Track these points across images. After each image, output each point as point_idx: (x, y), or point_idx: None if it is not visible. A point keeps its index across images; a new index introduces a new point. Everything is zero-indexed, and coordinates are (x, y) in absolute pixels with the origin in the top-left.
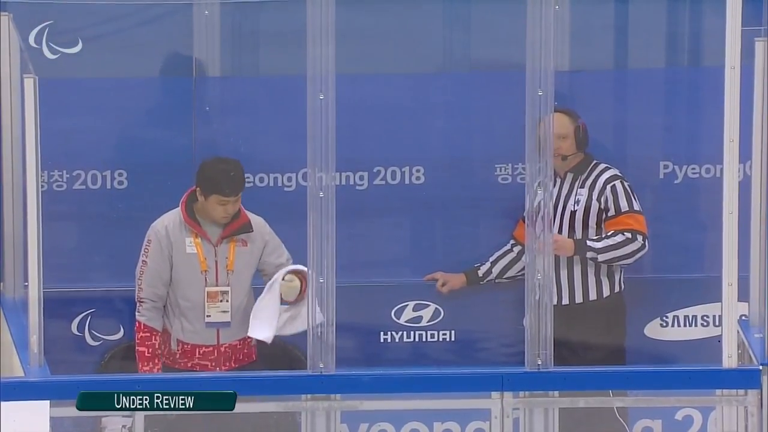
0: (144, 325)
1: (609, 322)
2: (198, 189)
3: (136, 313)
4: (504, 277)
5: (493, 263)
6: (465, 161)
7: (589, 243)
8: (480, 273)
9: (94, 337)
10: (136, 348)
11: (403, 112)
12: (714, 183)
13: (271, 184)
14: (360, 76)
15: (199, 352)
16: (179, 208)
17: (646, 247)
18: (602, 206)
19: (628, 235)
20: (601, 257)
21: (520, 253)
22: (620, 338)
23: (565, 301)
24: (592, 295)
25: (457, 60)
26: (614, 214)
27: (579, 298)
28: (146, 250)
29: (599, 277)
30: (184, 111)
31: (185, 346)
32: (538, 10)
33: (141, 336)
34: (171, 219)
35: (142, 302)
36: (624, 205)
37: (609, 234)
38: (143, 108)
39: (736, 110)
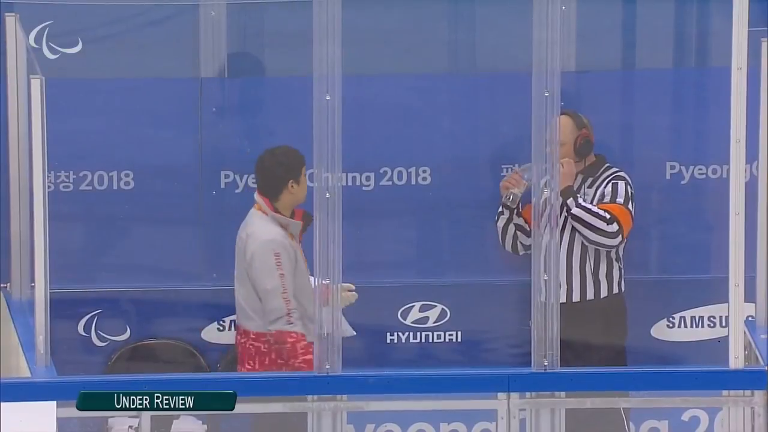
0: (302, 334)
1: (608, 323)
2: (291, 180)
3: (288, 325)
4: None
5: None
6: (471, 162)
7: (578, 197)
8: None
9: (100, 338)
10: (303, 357)
11: (410, 112)
12: (720, 183)
13: None
14: (366, 76)
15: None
16: (271, 214)
17: (616, 240)
18: (600, 198)
19: (608, 216)
20: (574, 210)
21: (508, 219)
22: (619, 340)
23: (563, 299)
24: (590, 295)
25: (464, 61)
26: (607, 201)
27: (576, 297)
28: (279, 264)
29: (597, 276)
30: (190, 112)
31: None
32: (545, 11)
33: (305, 344)
34: (275, 226)
35: (292, 313)
36: (620, 200)
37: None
38: (150, 109)
39: (742, 111)
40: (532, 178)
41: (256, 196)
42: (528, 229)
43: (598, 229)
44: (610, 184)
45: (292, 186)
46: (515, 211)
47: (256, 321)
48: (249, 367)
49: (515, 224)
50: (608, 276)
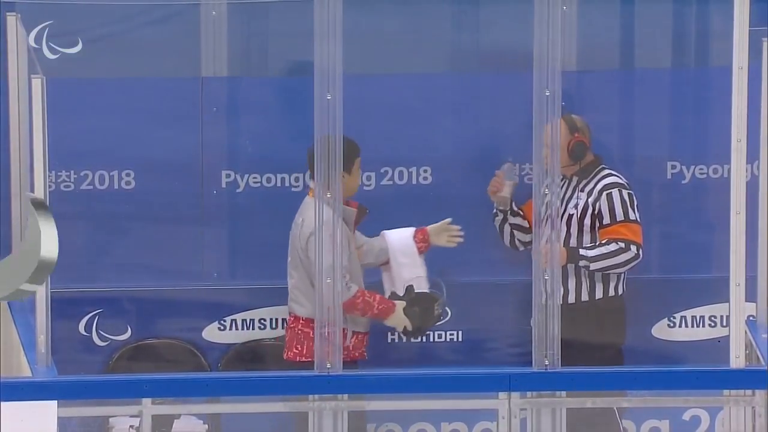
0: (361, 290)
1: (603, 325)
2: (344, 170)
3: (348, 291)
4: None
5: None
6: (472, 161)
7: (581, 252)
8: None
9: (101, 338)
10: (378, 306)
11: (411, 112)
12: (721, 183)
13: (279, 184)
14: (368, 76)
15: (366, 340)
16: (325, 199)
17: (640, 257)
18: (595, 212)
19: (622, 244)
20: (593, 266)
21: (503, 219)
22: (616, 341)
23: (559, 300)
24: (584, 296)
25: (465, 60)
26: (609, 222)
27: (572, 298)
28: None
29: (593, 279)
30: (191, 111)
31: (359, 336)
32: (546, 11)
33: (369, 294)
34: (328, 209)
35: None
36: (619, 214)
37: (602, 242)
38: (151, 108)
39: (743, 110)
40: (515, 176)
41: (310, 182)
42: (525, 226)
43: (623, 262)
44: (603, 197)
45: (342, 176)
46: (509, 211)
47: (307, 307)
48: (296, 350)
49: (511, 224)
50: (605, 278)
